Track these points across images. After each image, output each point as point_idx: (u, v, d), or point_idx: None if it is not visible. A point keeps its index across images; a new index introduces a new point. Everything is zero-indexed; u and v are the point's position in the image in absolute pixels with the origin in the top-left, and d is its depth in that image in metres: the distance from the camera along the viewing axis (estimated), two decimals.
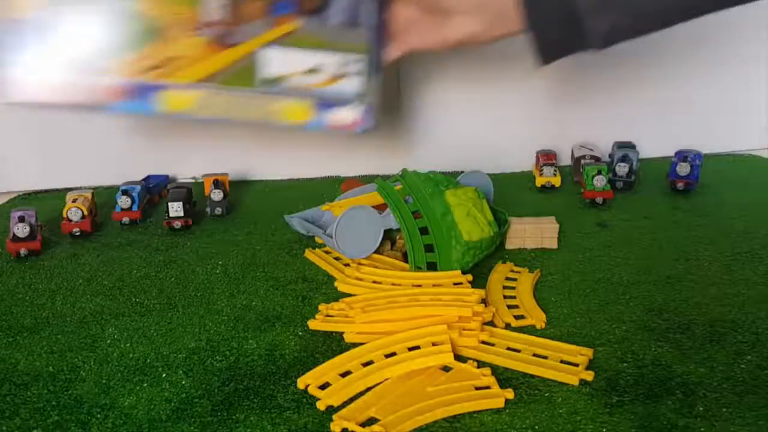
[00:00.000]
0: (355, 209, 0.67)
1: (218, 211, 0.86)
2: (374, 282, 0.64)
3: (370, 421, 0.45)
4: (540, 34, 0.58)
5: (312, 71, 0.62)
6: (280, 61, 0.61)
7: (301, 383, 0.50)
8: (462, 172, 0.78)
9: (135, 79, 0.60)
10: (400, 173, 0.70)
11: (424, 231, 0.66)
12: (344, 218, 0.66)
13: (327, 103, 0.61)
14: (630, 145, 0.93)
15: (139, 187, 0.86)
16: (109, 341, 0.58)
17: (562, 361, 0.51)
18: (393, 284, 0.63)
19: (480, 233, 0.66)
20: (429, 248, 0.66)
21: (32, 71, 0.59)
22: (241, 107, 0.62)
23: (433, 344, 0.52)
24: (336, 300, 0.61)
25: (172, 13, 0.60)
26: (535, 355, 0.52)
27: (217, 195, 0.86)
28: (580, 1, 0.54)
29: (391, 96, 0.97)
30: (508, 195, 0.89)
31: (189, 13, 0.60)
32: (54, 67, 0.59)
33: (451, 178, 0.71)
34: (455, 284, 0.62)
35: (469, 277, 0.63)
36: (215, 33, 0.60)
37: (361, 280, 0.65)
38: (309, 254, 0.73)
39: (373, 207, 0.68)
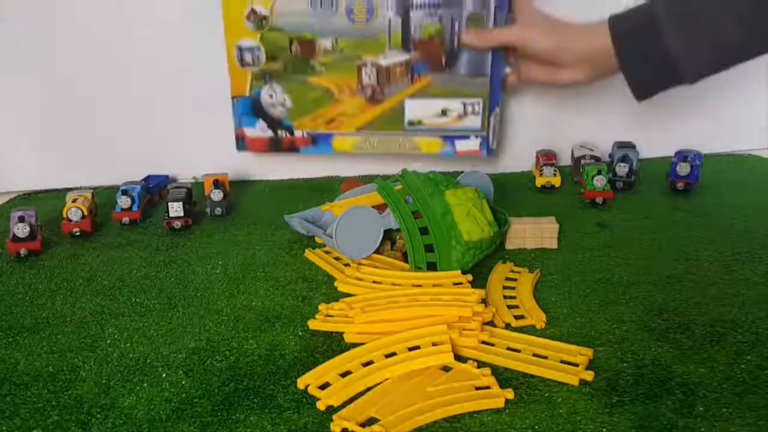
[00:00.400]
0: (355, 209, 0.67)
1: (218, 211, 0.86)
2: (374, 282, 0.64)
3: (370, 421, 0.45)
4: (637, 77, 0.70)
5: (442, 113, 0.83)
6: (418, 108, 0.84)
7: (301, 383, 0.50)
8: (462, 172, 0.78)
9: (316, 131, 0.88)
10: (399, 173, 0.70)
11: (424, 231, 0.66)
12: (344, 218, 0.66)
13: (452, 136, 0.83)
14: (630, 145, 0.93)
15: (139, 187, 0.86)
16: (109, 341, 0.58)
17: (562, 361, 0.51)
18: (393, 284, 0.63)
19: (480, 233, 0.66)
20: (429, 248, 0.66)
21: (255, 132, 0.90)
22: (389, 144, 0.86)
23: (433, 344, 0.52)
24: (336, 300, 0.61)
25: (340, 82, 0.85)
26: (535, 355, 0.52)
27: (217, 195, 0.86)
28: (672, 46, 0.65)
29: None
30: (508, 195, 0.89)
31: (351, 81, 0.84)
32: (263, 126, 0.89)
33: (450, 178, 0.71)
34: (455, 284, 0.62)
35: (469, 277, 0.63)
36: (370, 93, 0.84)
37: (361, 280, 0.65)
38: (309, 254, 0.73)
39: (373, 207, 0.68)
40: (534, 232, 0.72)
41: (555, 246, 0.73)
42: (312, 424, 0.46)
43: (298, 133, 0.88)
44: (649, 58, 0.68)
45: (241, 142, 0.91)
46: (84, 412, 0.49)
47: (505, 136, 1.00)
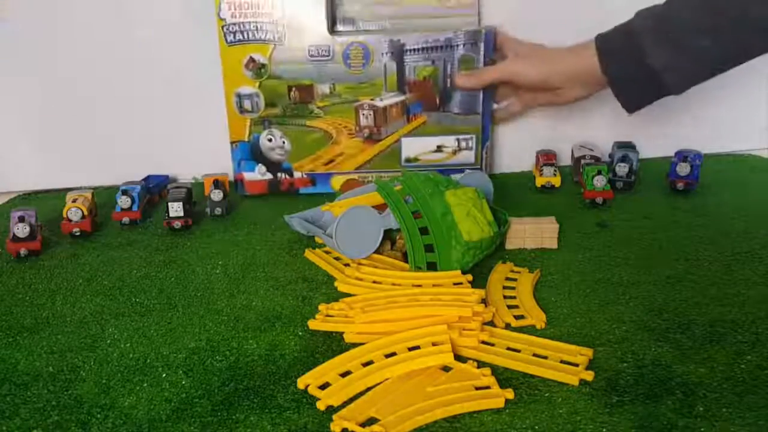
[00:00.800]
0: (355, 209, 0.67)
1: (218, 211, 0.86)
2: (374, 282, 0.64)
3: (370, 421, 0.45)
4: (625, 92, 0.75)
5: (438, 149, 0.89)
6: (415, 146, 0.89)
7: (301, 383, 0.50)
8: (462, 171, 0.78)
9: (315, 172, 0.91)
10: (400, 174, 0.70)
11: (424, 231, 0.66)
12: (344, 218, 0.66)
13: (448, 170, 0.83)
14: (630, 145, 0.93)
15: (139, 187, 0.86)
16: (109, 341, 0.58)
17: (562, 361, 0.51)
18: (393, 284, 0.63)
19: (480, 233, 0.66)
20: (429, 248, 0.65)
21: (254, 176, 0.92)
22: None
23: (433, 344, 0.52)
24: (336, 300, 0.61)
25: (338, 125, 0.89)
26: (535, 355, 0.52)
27: (217, 195, 0.86)
28: (656, 64, 0.70)
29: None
30: (508, 195, 0.89)
31: (349, 123, 0.89)
32: (262, 171, 0.92)
33: (450, 179, 0.71)
34: (455, 284, 0.62)
35: (469, 276, 0.63)
36: (367, 134, 0.89)
37: (361, 280, 0.65)
38: (309, 254, 0.73)
39: (373, 207, 0.68)
40: (534, 232, 0.72)
41: (555, 246, 0.73)
42: (312, 424, 0.46)
43: (297, 174, 0.92)
44: (636, 75, 0.72)
45: (241, 186, 0.93)
46: (84, 412, 0.49)
47: (505, 136, 1.00)
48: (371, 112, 0.87)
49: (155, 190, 0.93)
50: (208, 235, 0.81)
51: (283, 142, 0.89)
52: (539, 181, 0.91)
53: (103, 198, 0.91)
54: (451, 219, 0.66)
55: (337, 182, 0.91)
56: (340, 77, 0.87)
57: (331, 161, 0.91)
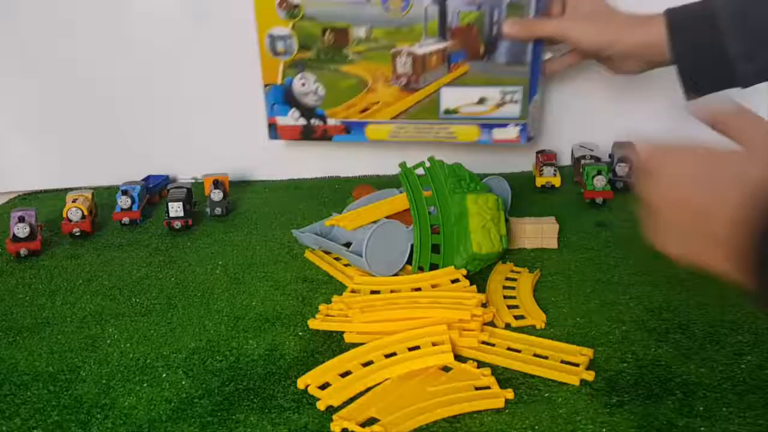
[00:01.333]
0: (384, 226, 0.64)
1: (218, 211, 0.86)
2: (372, 292, 0.63)
3: (370, 421, 0.45)
4: (690, 73, 0.67)
5: (480, 102, 0.80)
6: (455, 97, 0.81)
7: (301, 383, 0.50)
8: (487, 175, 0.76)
9: (350, 120, 0.86)
10: (426, 161, 0.67)
11: (434, 230, 0.65)
12: (374, 236, 0.63)
13: (490, 125, 0.80)
14: (630, 145, 0.93)
15: (139, 187, 0.86)
16: (109, 341, 0.58)
17: (562, 361, 0.51)
18: (392, 291, 0.62)
19: (490, 248, 0.65)
20: (435, 248, 0.65)
21: (287, 120, 0.88)
22: (424, 133, 0.84)
23: (433, 344, 0.52)
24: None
25: (374, 71, 0.82)
26: (535, 355, 0.52)
27: (217, 195, 0.86)
28: (732, 49, 0.63)
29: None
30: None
31: (386, 70, 0.82)
32: (296, 115, 0.88)
33: (475, 176, 0.69)
34: (453, 281, 0.62)
35: (463, 271, 0.63)
36: (404, 82, 0.81)
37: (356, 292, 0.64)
38: (309, 254, 0.73)
39: (388, 218, 0.67)
40: (534, 232, 0.72)
41: (555, 246, 0.73)
42: (312, 425, 0.46)
43: (331, 122, 0.87)
44: (705, 56, 0.65)
45: (273, 131, 0.90)
46: (84, 412, 0.49)
47: None
48: (409, 60, 0.80)
49: (155, 190, 0.93)
50: (208, 235, 0.81)
51: (317, 88, 0.85)
52: (539, 181, 0.91)
53: (103, 198, 0.91)
54: (465, 225, 0.65)
55: (372, 132, 0.86)
56: (377, 21, 0.80)
57: (366, 109, 0.85)
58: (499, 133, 0.81)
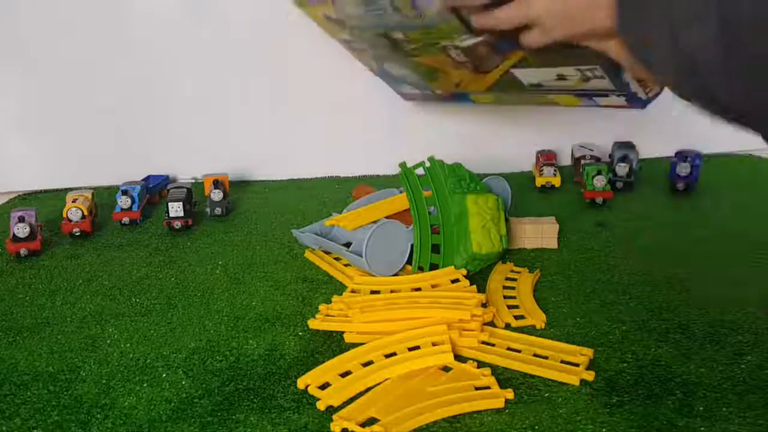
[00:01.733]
0: (384, 226, 0.65)
1: (218, 211, 0.86)
2: (372, 292, 0.63)
3: (370, 421, 0.45)
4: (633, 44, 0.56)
5: (559, 78, 0.73)
6: (531, 75, 0.75)
7: (301, 383, 0.50)
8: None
9: (453, 91, 0.83)
10: (426, 161, 0.67)
11: (434, 230, 0.65)
12: (374, 236, 0.64)
13: (589, 94, 0.73)
14: (630, 145, 0.93)
15: (139, 187, 0.86)
16: (109, 341, 0.58)
17: (562, 361, 0.51)
18: (392, 291, 0.62)
19: (490, 248, 0.66)
20: (435, 248, 0.65)
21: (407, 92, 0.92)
22: (528, 99, 0.79)
23: (433, 344, 0.52)
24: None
25: (438, 62, 0.78)
26: (535, 355, 0.52)
27: (217, 195, 0.86)
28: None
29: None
30: None
31: (445, 59, 0.76)
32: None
33: (475, 177, 0.69)
34: (453, 281, 0.62)
35: (463, 271, 0.63)
36: (471, 67, 0.76)
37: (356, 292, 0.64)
38: (309, 254, 0.73)
39: (388, 218, 0.67)
40: (534, 232, 0.72)
41: (555, 246, 0.73)
42: (312, 424, 0.46)
43: (438, 92, 0.86)
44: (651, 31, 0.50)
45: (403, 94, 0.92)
46: (84, 412, 0.49)
47: (505, 136, 1.00)
48: (460, 52, 0.74)
49: (155, 190, 0.93)
50: (208, 235, 0.81)
51: (405, 74, 0.84)
52: (539, 181, 0.91)
53: (103, 198, 0.91)
54: (465, 225, 0.65)
55: (476, 98, 0.83)
56: (404, 25, 0.73)
57: (458, 84, 0.81)
58: (603, 101, 0.74)
